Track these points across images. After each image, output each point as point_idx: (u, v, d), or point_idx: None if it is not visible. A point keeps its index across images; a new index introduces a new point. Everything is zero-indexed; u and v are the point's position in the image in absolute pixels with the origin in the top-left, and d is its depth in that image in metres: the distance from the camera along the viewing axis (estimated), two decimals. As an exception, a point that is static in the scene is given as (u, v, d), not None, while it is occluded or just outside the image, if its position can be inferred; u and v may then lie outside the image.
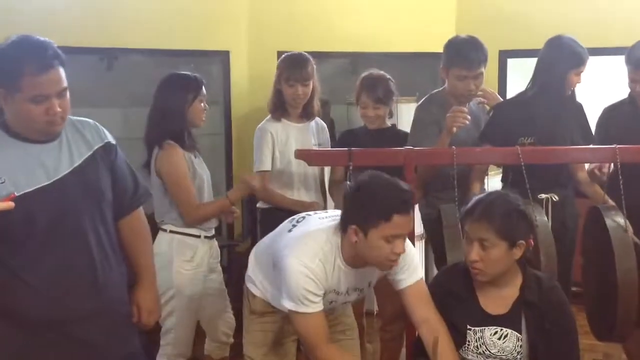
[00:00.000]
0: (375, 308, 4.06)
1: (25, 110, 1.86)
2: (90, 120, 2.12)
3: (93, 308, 2.00)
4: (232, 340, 3.07)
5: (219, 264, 3.07)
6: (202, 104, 2.95)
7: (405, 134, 3.29)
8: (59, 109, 1.88)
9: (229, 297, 3.11)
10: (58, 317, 1.95)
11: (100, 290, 2.01)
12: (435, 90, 3.37)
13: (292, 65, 3.28)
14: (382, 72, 3.31)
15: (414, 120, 3.24)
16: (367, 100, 3.22)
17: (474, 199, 2.18)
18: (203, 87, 2.96)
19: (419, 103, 3.33)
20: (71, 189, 1.95)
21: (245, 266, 2.48)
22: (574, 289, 3.29)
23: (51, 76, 1.86)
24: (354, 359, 2.20)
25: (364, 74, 3.31)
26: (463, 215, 2.17)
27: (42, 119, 1.88)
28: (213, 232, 3.03)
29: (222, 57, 4.68)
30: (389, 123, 3.36)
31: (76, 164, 1.98)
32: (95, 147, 2.05)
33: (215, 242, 3.05)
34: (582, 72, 3.07)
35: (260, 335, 2.31)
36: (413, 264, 2.17)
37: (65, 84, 1.91)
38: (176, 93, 2.89)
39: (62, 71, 1.90)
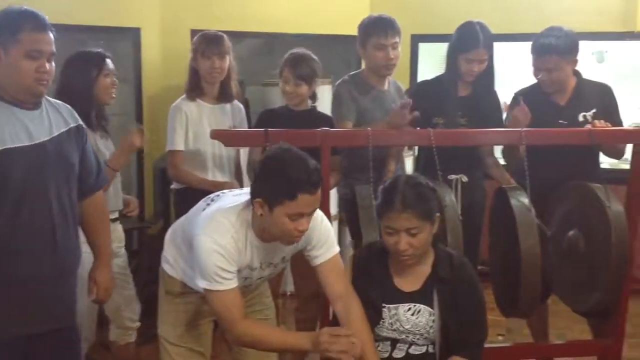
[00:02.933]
0: (290, 289, 4.09)
1: (19, 66, 2.04)
2: (64, 103, 2.29)
3: (50, 271, 2.14)
4: (137, 324, 3.02)
5: (123, 248, 3.01)
6: (108, 79, 2.87)
7: (326, 115, 3.32)
8: (48, 69, 2.08)
9: (140, 280, 3.06)
10: (17, 273, 2.08)
11: (57, 255, 2.15)
12: (354, 72, 3.42)
13: (209, 40, 3.25)
14: (309, 52, 3.32)
15: (334, 97, 3.29)
16: (289, 75, 3.21)
17: (384, 189, 2.21)
18: (108, 61, 2.89)
19: (338, 81, 3.37)
20: (47, 155, 2.12)
21: (157, 248, 2.45)
22: (481, 267, 3.42)
23: (47, 37, 2.08)
24: (270, 329, 2.21)
25: (290, 51, 3.30)
26: (381, 207, 2.19)
27: (32, 75, 2.06)
28: (116, 214, 2.95)
29: (133, 34, 4.56)
30: (310, 104, 3.36)
31: (54, 134, 2.16)
32: (71, 125, 2.23)
33: (118, 226, 2.98)
34: (472, 59, 3.11)
35: (175, 316, 2.29)
36: (329, 241, 2.19)
37: (55, 50, 2.11)
38: (79, 71, 2.82)
39: (53, 38, 2.10)
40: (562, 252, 3.09)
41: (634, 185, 3.08)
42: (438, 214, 2.23)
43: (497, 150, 3.46)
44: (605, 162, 3.57)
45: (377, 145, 2.79)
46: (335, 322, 2.23)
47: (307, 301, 3.32)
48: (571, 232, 3.07)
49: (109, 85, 2.87)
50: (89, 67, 2.82)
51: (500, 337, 3.87)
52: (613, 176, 3.22)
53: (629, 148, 3.15)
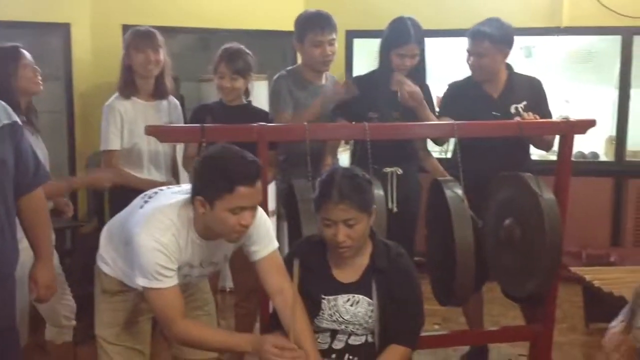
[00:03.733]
0: (229, 285, 4.08)
1: None
2: None
3: None
4: (73, 322, 2.98)
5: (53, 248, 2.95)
6: (28, 70, 2.80)
7: (261, 110, 3.32)
8: None
9: (74, 279, 3.00)
10: None
11: None
12: (291, 67, 3.44)
13: (141, 35, 3.21)
14: (242, 46, 3.31)
15: (272, 91, 3.31)
16: (225, 70, 3.20)
17: (321, 182, 2.23)
18: (23, 52, 2.81)
19: (276, 76, 3.38)
20: None
21: (91, 247, 2.41)
22: (418, 258, 3.49)
23: None
24: (210, 330, 2.20)
25: (224, 46, 3.29)
26: (318, 199, 2.21)
27: None
28: None
29: (63, 30, 4.45)
30: (245, 100, 3.36)
31: None
32: (4, 122, 2.15)
33: None
34: (404, 54, 3.17)
35: (112, 314, 2.26)
36: (268, 236, 2.20)
37: None
38: None
39: None
40: (499, 241, 3.18)
41: (561, 176, 3.19)
42: (375, 206, 2.26)
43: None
44: (535, 154, 3.69)
45: (314, 140, 2.81)
46: (275, 317, 2.25)
47: (246, 296, 3.32)
48: (507, 221, 3.16)
49: (31, 75, 2.81)
50: (5, 61, 2.75)
51: (436, 326, 3.96)
52: (542, 168, 3.33)
53: (557, 141, 3.27)
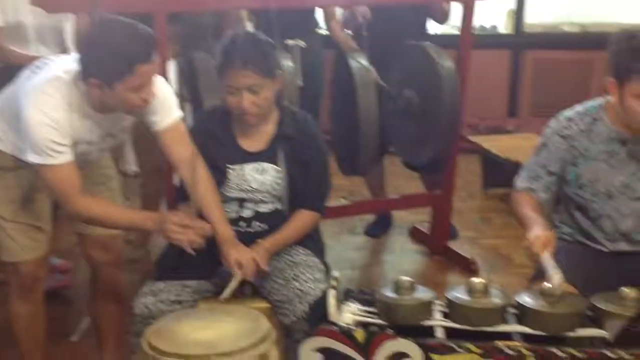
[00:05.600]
0: (133, 168, 3.98)
1: None
2: None
3: None
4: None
5: None
6: None
7: None
8: None
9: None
10: None
11: None
12: None
13: None
14: None
15: None
16: None
17: (223, 47, 2.15)
18: None
19: None
20: None
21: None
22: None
23: None
24: (113, 207, 2.14)
25: None
26: (221, 67, 2.13)
27: None
28: None
29: None
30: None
31: None
32: None
33: None
34: None
35: (8, 191, 2.14)
36: (167, 105, 2.11)
37: None
38: None
39: None
40: (399, 110, 3.22)
41: (463, 46, 3.22)
42: (280, 72, 2.21)
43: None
44: (438, 29, 3.68)
45: (216, 10, 2.70)
46: (183, 190, 2.21)
47: (151, 176, 3.25)
48: (406, 90, 3.19)
49: None
50: None
51: (342, 200, 4.04)
52: (444, 41, 3.35)
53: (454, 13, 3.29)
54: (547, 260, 1.87)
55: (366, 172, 3.47)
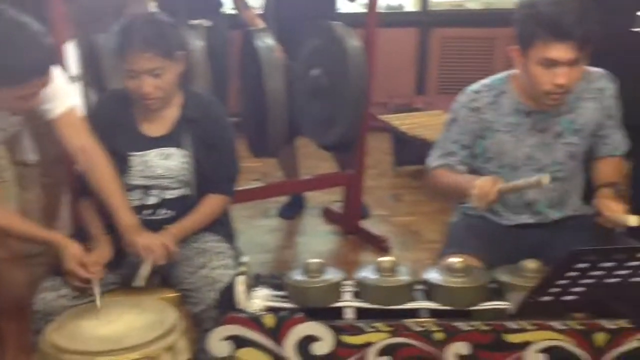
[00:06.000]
0: (32, 157, 3.81)
1: None
2: None
3: None
4: None
5: None
6: None
7: None
8: None
9: None
10: None
11: None
12: None
13: None
14: None
15: None
16: None
17: (121, 29, 2.05)
18: None
19: None
20: None
21: None
22: (233, 119, 3.45)
23: None
24: (15, 219, 2.04)
25: None
26: (120, 49, 2.04)
27: None
28: None
29: None
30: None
31: None
32: None
33: None
34: None
35: None
36: (61, 92, 2.01)
37: None
38: None
39: None
40: (308, 90, 3.20)
41: (369, 25, 3.23)
42: (183, 52, 2.14)
43: None
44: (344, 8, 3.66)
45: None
46: (83, 181, 2.12)
47: (52, 165, 3.11)
48: (314, 71, 3.17)
49: None
50: None
51: (255, 182, 4.00)
52: (351, 20, 3.34)
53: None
54: (511, 185, 1.88)
55: (277, 153, 3.44)
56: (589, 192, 2.17)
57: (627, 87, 2.10)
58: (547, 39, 1.85)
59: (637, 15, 2.29)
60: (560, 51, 1.85)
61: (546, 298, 1.33)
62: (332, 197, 3.75)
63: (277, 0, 3.39)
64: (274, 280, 1.90)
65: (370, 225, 3.54)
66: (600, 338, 1.62)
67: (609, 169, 2.11)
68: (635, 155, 2.26)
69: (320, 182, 3.56)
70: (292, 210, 3.75)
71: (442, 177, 2.11)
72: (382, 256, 1.85)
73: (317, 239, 3.54)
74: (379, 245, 3.33)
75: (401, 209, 3.90)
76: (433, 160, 2.15)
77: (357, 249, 3.41)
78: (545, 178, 1.82)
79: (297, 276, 1.81)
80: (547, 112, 2.03)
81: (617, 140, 2.13)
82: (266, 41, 3.08)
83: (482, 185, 1.88)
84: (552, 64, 1.87)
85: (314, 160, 4.06)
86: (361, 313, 1.77)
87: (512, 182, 1.92)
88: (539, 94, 1.95)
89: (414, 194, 4.05)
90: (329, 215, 3.72)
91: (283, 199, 3.80)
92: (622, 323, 1.57)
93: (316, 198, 3.84)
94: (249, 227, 3.51)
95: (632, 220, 1.81)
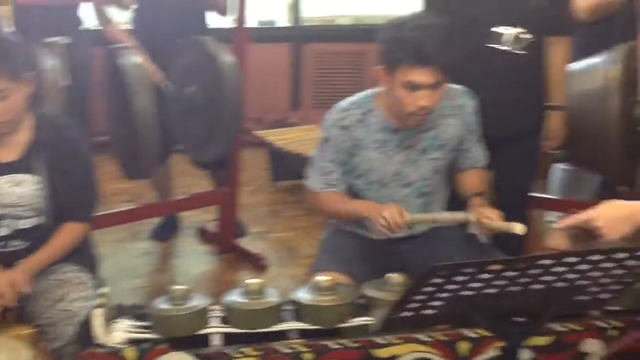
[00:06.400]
0: None
1: None
2: None
3: None
4: None
5: None
6: None
7: None
8: None
9: None
10: None
11: None
12: None
13: None
14: None
15: None
16: None
17: None
18: None
19: None
20: None
21: None
22: (102, 138, 3.32)
23: None
24: None
25: None
26: None
27: None
28: None
29: None
30: None
31: None
32: None
33: None
34: None
35: None
36: None
37: None
38: None
39: None
40: (183, 108, 3.13)
41: (240, 40, 3.20)
42: (32, 73, 2.01)
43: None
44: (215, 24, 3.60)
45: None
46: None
47: None
48: (188, 88, 3.10)
49: None
50: None
51: (127, 204, 3.86)
52: (222, 35, 3.30)
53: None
54: (424, 217, 1.99)
55: (149, 173, 3.33)
56: (452, 204, 2.23)
57: (484, 101, 2.18)
58: (411, 63, 1.90)
59: (493, 32, 2.38)
60: (422, 76, 1.90)
61: (407, 313, 1.34)
62: (208, 216, 3.67)
63: (144, 16, 3.29)
64: (137, 310, 1.81)
65: (247, 243, 3.48)
66: (463, 347, 1.66)
67: (474, 180, 2.19)
68: (496, 166, 2.35)
69: (194, 202, 3.47)
70: (166, 232, 3.64)
71: (332, 203, 2.12)
72: (259, 274, 1.82)
73: (192, 261, 3.45)
74: (256, 264, 3.28)
75: (279, 225, 3.87)
76: (313, 181, 2.14)
77: (234, 269, 3.35)
78: (472, 217, 1.92)
79: (161, 304, 1.73)
80: (412, 129, 2.07)
81: (478, 154, 2.21)
82: (134, 59, 2.98)
83: (391, 216, 1.93)
84: (415, 87, 1.92)
85: (190, 178, 3.97)
86: (230, 338, 1.71)
87: (430, 215, 2.01)
88: (403, 114, 2.00)
89: (291, 209, 4.03)
90: (204, 235, 3.63)
91: (156, 220, 3.68)
92: (483, 332, 1.62)
93: (191, 217, 3.75)
94: (119, 251, 3.38)
95: (518, 228, 1.88)
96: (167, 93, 3.09)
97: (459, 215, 1.99)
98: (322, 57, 5.33)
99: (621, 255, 1.24)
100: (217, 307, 1.79)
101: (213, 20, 3.48)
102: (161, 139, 3.04)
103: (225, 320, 1.75)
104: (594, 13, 3.03)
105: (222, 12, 3.37)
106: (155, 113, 2.98)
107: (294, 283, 2.86)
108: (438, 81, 1.93)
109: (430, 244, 2.14)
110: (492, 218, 1.95)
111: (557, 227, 1.67)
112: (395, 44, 1.93)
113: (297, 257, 3.44)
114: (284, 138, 4.29)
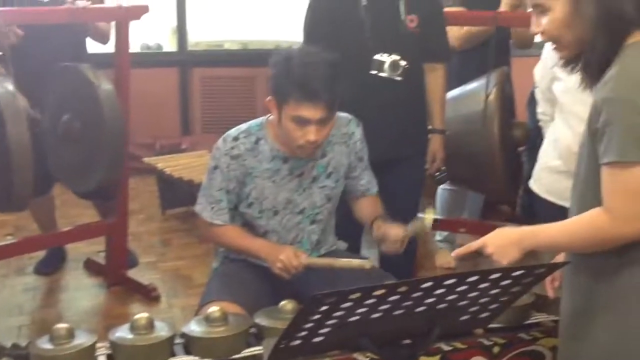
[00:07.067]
0: None
1: None
2: None
3: None
4: None
5: None
6: None
7: None
8: None
9: None
10: None
11: None
12: None
13: None
14: None
15: None
16: None
17: None
18: None
19: None
20: None
21: None
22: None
23: None
24: None
25: None
26: None
27: None
28: None
29: None
30: None
31: None
32: None
33: None
34: None
35: None
36: None
37: None
38: None
39: None
40: (59, 137, 3.02)
41: (121, 66, 3.13)
42: None
43: None
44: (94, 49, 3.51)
45: None
46: None
47: None
48: (65, 117, 3.01)
49: None
50: None
51: (9, 237, 3.68)
52: (103, 61, 3.22)
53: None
54: (320, 261, 2.04)
55: (24, 206, 3.17)
56: (341, 229, 2.27)
57: (367, 127, 2.24)
58: (299, 99, 1.92)
59: (374, 59, 2.45)
60: (311, 111, 1.93)
61: (296, 342, 1.34)
62: (96, 247, 3.55)
63: (22, 44, 3.16)
64: (18, 350, 1.73)
65: (138, 274, 3.39)
66: (355, 372, 1.67)
67: (369, 206, 2.24)
68: (383, 189, 2.40)
69: (80, 233, 3.35)
70: (51, 265, 3.48)
71: (228, 238, 2.13)
72: (151, 306, 1.77)
73: (80, 294, 3.32)
74: (148, 295, 3.19)
75: (170, 254, 3.79)
76: (203, 210, 2.12)
77: (125, 301, 3.24)
78: (367, 263, 1.98)
79: (43, 344, 1.66)
80: (303, 158, 2.09)
81: (369, 180, 2.26)
82: (5, 86, 2.86)
83: (287, 259, 1.97)
84: (304, 121, 1.95)
85: (76, 208, 3.84)
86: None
87: (327, 259, 2.06)
88: (292, 146, 2.02)
89: (183, 237, 3.97)
90: (91, 266, 3.51)
91: (40, 254, 3.52)
92: (372, 355, 1.64)
93: (78, 249, 3.61)
94: (1, 287, 3.21)
95: (367, 264, 2.00)
96: (43, 122, 2.98)
97: (354, 262, 2.04)
98: (210, 82, 5.30)
99: (495, 275, 1.30)
100: (104, 344, 1.73)
101: (95, 46, 3.39)
102: (40, 169, 2.93)
103: (112, 358, 1.70)
104: (466, 41, 3.21)
105: (104, 40, 3.29)
106: (29, 143, 2.86)
107: (187, 313, 2.81)
108: (327, 116, 1.97)
109: (319, 270, 2.16)
110: (400, 233, 2.03)
111: (454, 257, 1.73)
112: (283, 79, 1.96)
113: (189, 287, 3.37)
114: (173, 165, 4.22)
